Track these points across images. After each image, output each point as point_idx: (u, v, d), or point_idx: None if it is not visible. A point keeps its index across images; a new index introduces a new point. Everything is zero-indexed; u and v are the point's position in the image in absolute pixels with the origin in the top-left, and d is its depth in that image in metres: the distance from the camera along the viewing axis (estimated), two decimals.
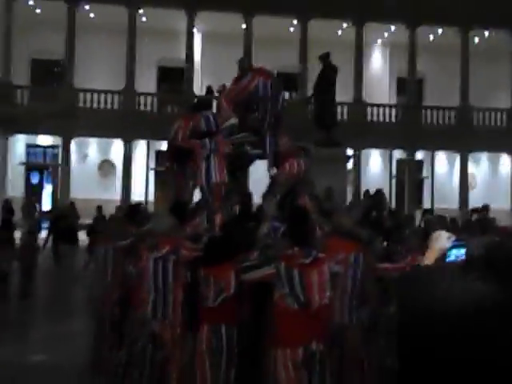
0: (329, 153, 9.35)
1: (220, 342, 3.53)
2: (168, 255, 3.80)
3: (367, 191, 11.58)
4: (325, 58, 10.00)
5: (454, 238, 1.91)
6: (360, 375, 4.10)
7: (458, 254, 1.90)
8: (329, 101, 10.09)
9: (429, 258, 1.87)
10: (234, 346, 3.57)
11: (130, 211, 5.28)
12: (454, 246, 1.87)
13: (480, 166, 20.55)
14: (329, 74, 9.94)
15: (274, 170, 5.35)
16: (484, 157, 20.51)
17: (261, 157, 5.34)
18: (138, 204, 5.63)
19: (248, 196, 5.56)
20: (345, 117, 17.37)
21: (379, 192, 9.99)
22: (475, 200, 18.33)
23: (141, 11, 17.70)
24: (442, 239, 1.88)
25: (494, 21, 18.54)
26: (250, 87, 5.25)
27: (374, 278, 4.40)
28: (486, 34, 19.29)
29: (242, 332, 3.70)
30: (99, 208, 11.02)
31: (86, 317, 5.43)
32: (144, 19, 18.10)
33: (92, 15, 17.89)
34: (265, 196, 5.04)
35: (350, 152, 11.33)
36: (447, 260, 1.87)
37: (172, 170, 5.31)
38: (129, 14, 17.29)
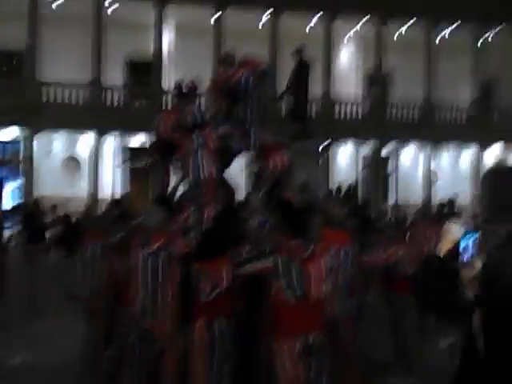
0: (303, 146, 9.40)
1: (215, 335, 3.52)
2: (159, 251, 3.75)
3: (339, 186, 11.83)
4: (299, 52, 10.05)
5: (464, 228, 1.99)
6: (349, 363, 4.20)
7: (466, 245, 1.99)
8: (303, 94, 10.16)
9: (443, 249, 1.94)
10: (229, 338, 3.57)
11: (114, 207, 5.17)
12: (466, 235, 1.96)
13: (442, 160, 21.24)
14: (302, 69, 10.01)
15: (258, 164, 5.37)
16: (446, 151, 21.20)
17: (244, 151, 5.34)
18: (119, 200, 5.51)
19: (232, 190, 5.54)
20: (313, 112, 17.55)
21: (352, 186, 10.23)
22: (438, 193, 18.97)
23: (107, 3, 17.22)
24: (455, 231, 1.95)
25: (456, 18, 19.19)
26: (233, 79, 5.22)
27: (360, 270, 4.52)
28: (449, 30, 19.90)
29: (237, 324, 3.70)
30: (54, 207, 10.71)
31: (69, 315, 5.28)
32: (110, 11, 17.62)
33: (54, 6, 17.25)
34: (252, 190, 5.04)
35: (325, 143, 11.42)
36: (462, 247, 1.96)
37: (157, 163, 5.23)
38: (94, 5, 16.79)
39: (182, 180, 5.08)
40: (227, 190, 5.36)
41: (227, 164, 5.63)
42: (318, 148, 10.78)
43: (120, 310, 4.17)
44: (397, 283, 4.85)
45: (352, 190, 9.56)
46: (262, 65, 5.42)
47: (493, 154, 21.26)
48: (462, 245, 1.87)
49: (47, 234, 9.82)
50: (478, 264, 2.01)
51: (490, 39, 19.94)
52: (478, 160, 20.22)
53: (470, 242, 1.89)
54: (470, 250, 1.90)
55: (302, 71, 9.61)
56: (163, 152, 5.19)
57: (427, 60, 19.35)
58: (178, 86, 5.90)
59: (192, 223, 4.46)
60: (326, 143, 10.71)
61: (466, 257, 1.89)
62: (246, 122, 5.30)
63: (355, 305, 4.34)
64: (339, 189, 11.45)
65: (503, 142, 20.35)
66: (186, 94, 5.86)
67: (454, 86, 20.56)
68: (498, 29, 19.99)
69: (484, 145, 20.26)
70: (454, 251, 1.83)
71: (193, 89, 5.85)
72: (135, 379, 3.76)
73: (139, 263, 3.75)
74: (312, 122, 10.58)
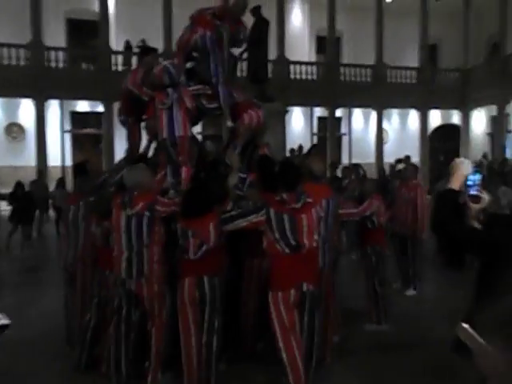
0: (265, 108, 9.32)
1: (204, 293, 3.50)
2: (143, 212, 3.63)
3: (300, 146, 11.95)
4: (256, 11, 9.79)
5: (472, 165, 2.05)
6: (328, 314, 4.34)
7: (474, 178, 2.07)
8: (262, 55, 9.96)
9: (455, 183, 1.99)
10: (217, 296, 3.56)
11: (78, 170, 4.90)
12: (474, 172, 2.04)
13: (392, 122, 21.88)
14: (261, 27, 9.77)
15: (231, 122, 5.28)
16: (395, 113, 21.82)
17: (216, 110, 5.21)
18: (84, 162, 5.24)
19: (204, 149, 5.44)
20: (269, 74, 17.33)
21: (316, 146, 10.32)
22: (388, 154, 19.63)
23: None
24: (466, 166, 2.00)
25: None
26: (191, 40, 5.03)
27: (338, 222, 4.65)
28: None
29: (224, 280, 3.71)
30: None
31: (36, 287, 5.04)
32: None
33: None
34: (225, 148, 4.96)
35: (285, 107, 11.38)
36: (469, 182, 2.04)
37: (126, 122, 5.00)
38: None
39: (152, 140, 4.92)
40: (200, 148, 5.26)
41: (195, 123, 5.50)
42: (284, 109, 10.79)
43: (99, 274, 4.04)
44: (370, 235, 5.03)
45: (314, 150, 9.64)
46: (216, 23, 5.20)
47: (437, 115, 22.14)
48: (470, 180, 1.96)
49: None
50: (486, 197, 2.09)
51: (433, 4, 20.28)
52: (425, 121, 20.96)
53: (477, 178, 1.99)
54: (477, 185, 1.99)
55: (261, 29, 9.39)
56: (133, 110, 4.97)
57: (378, 23, 19.49)
58: (128, 45, 5.65)
59: (169, 183, 4.35)
60: (287, 109, 10.65)
61: (472, 190, 1.98)
62: (212, 80, 5.19)
63: (333, 256, 4.46)
64: (300, 149, 11.58)
65: (445, 103, 21.14)
66: (148, 51, 5.59)
67: (402, 49, 21.03)
68: None
69: (429, 106, 20.97)
70: (464, 185, 1.94)
71: (148, 48, 5.60)
72: (123, 342, 3.70)
73: (122, 224, 3.62)
74: (270, 86, 10.44)
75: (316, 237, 3.32)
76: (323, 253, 4.01)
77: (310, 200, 3.29)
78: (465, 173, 2.00)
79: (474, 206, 2.07)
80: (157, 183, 4.34)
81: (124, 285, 3.69)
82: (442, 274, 7.06)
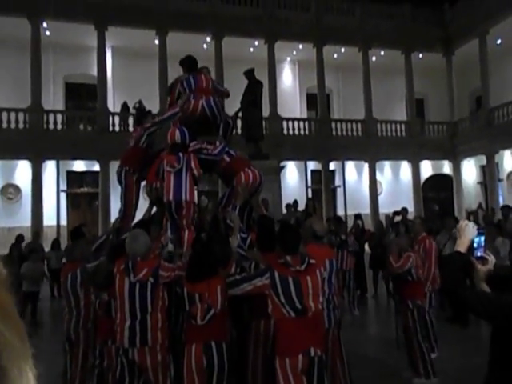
0: (261, 165, 9.50)
1: (211, 359, 3.42)
2: (146, 278, 3.61)
3: (295, 201, 12.04)
4: (250, 73, 10.23)
5: (476, 226, 2.10)
6: (337, 377, 4.23)
7: (479, 241, 2.12)
8: (257, 114, 10.31)
9: (462, 246, 2.03)
10: (224, 362, 3.47)
11: (74, 235, 4.90)
12: (479, 233, 2.08)
13: (384, 173, 22.23)
14: (255, 88, 10.17)
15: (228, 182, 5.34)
16: (387, 165, 22.22)
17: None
18: (80, 225, 5.25)
19: (202, 207, 5.50)
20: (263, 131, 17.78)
21: (310, 200, 10.43)
22: (383, 204, 19.81)
23: (45, 25, 16.64)
24: (471, 229, 2.05)
25: (388, 42, 20.43)
26: (197, 109, 5.16)
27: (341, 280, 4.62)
28: (382, 53, 21.08)
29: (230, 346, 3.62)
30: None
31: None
32: (48, 33, 17.03)
33: None
34: (224, 208, 4.99)
35: (281, 164, 11.62)
36: (476, 244, 2.08)
37: (126, 175, 5.01)
38: (31, 27, 16.13)
39: (154, 203, 4.94)
40: (199, 207, 5.30)
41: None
42: (279, 166, 11.02)
43: (100, 343, 3.95)
44: (410, 289, 5.15)
45: (310, 204, 9.75)
46: (210, 87, 5.38)
47: (428, 165, 22.57)
48: (475, 242, 2.00)
49: None
50: (492, 258, 2.13)
51: (418, 62, 21.27)
52: (417, 172, 21.32)
53: (482, 239, 2.03)
54: (482, 247, 2.03)
55: (255, 90, 9.76)
56: (139, 168, 5.04)
57: (366, 80, 20.27)
58: (125, 107, 5.84)
59: (168, 238, 4.33)
60: (282, 165, 10.87)
61: (478, 252, 2.01)
62: (220, 141, 5.37)
63: (339, 316, 4.40)
64: (296, 203, 11.66)
65: (435, 155, 21.61)
66: (147, 113, 5.78)
67: (390, 104, 21.80)
68: (423, 54, 21.52)
69: (420, 158, 21.41)
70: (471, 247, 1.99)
71: (144, 109, 5.78)
72: None
73: (125, 291, 3.59)
74: (265, 142, 10.72)
75: (321, 299, 3.30)
76: (328, 313, 3.98)
77: (313, 261, 3.30)
78: (470, 236, 2.05)
79: (482, 268, 2.10)
80: (158, 246, 4.34)
81: (126, 354, 3.60)
82: (448, 330, 6.93)
